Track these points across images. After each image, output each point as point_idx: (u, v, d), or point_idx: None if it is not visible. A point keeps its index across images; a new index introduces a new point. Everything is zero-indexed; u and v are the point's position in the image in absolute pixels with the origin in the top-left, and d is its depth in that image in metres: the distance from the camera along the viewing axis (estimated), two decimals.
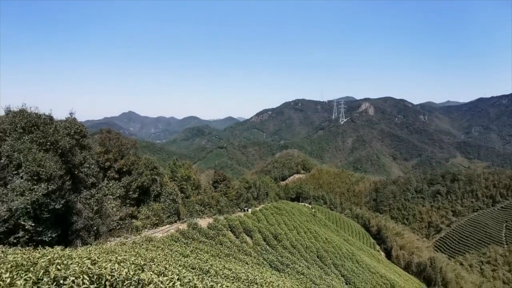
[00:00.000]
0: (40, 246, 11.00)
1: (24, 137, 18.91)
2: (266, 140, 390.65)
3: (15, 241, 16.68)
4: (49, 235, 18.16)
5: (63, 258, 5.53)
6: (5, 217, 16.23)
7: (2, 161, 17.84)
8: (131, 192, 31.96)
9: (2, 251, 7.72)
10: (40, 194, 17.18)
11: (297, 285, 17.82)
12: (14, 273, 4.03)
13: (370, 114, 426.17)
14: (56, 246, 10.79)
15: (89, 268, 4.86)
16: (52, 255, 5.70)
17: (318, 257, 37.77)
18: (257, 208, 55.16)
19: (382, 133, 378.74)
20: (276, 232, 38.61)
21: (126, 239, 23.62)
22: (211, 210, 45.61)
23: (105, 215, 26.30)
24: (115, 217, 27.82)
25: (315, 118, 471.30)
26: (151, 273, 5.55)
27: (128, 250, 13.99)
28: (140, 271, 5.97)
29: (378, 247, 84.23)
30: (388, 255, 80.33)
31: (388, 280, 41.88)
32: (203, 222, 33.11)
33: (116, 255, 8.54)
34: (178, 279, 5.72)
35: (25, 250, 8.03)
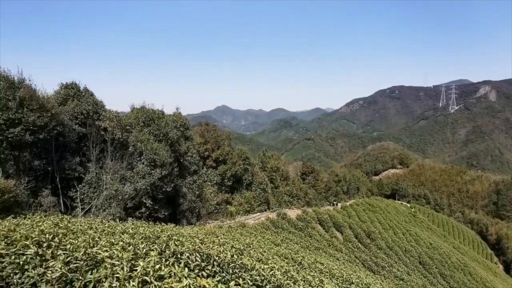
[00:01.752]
0: (157, 222, 12.96)
1: (144, 130, 22.58)
2: (357, 132, 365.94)
3: (139, 215, 20.30)
4: (163, 213, 21.46)
5: (178, 236, 6.24)
6: (133, 195, 19.89)
7: (130, 149, 21.80)
8: (226, 180, 34.81)
9: (133, 223, 9.36)
10: (156, 178, 20.36)
11: None
12: (145, 244, 4.70)
13: (491, 99, 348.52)
14: (169, 223, 12.56)
15: (199, 247, 5.39)
16: (170, 232, 6.54)
17: (420, 263, 33.56)
18: (347, 203, 52.49)
19: (507, 122, 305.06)
20: (369, 230, 36.00)
21: (222, 222, 25.81)
22: (299, 202, 45.72)
23: (205, 199, 29.38)
24: (213, 201, 30.82)
25: (416, 107, 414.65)
26: (253, 258, 5.73)
27: (225, 234, 15.17)
28: (240, 255, 6.28)
29: (496, 259, 70.06)
30: (507, 269, 66.34)
31: None
32: (292, 213, 33.41)
33: (218, 238, 9.28)
34: (277, 269, 5.75)
35: (149, 224, 9.49)
